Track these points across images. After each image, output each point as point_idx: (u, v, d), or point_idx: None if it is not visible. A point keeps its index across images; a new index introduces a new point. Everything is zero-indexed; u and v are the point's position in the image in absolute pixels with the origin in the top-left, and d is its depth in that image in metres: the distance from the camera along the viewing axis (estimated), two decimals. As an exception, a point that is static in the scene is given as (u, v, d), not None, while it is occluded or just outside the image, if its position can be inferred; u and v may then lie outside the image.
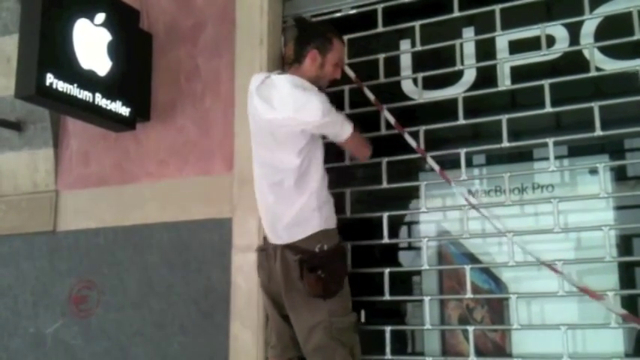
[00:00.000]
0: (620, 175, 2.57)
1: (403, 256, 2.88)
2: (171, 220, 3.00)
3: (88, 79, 2.85)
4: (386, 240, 2.61)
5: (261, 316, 2.67)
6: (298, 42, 2.44)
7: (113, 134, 3.18)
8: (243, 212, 2.81)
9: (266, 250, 2.42)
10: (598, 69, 2.43)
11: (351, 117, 2.42)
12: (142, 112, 3.13)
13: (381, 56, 2.76)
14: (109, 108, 2.94)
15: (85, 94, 2.84)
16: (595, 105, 2.36)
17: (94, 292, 3.10)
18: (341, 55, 2.48)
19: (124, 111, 3.01)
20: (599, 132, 2.35)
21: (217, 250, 2.86)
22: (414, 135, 2.62)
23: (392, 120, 2.62)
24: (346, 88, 2.79)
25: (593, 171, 2.45)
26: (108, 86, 2.94)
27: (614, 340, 2.35)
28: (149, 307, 2.96)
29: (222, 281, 2.81)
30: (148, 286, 2.98)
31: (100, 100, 2.91)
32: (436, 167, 2.53)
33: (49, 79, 2.68)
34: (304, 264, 2.23)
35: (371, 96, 2.68)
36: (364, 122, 2.61)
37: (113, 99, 2.96)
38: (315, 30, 2.49)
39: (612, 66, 2.45)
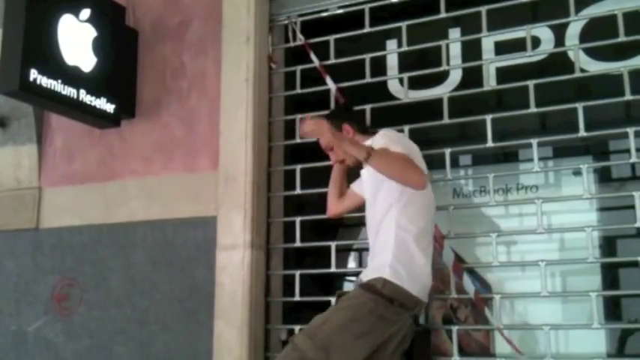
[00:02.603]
0: (604, 177, 2.59)
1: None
2: (156, 218, 2.98)
3: (72, 75, 2.83)
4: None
5: (245, 315, 2.65)
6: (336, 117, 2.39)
7: (97, 131, 3.16)
8: (227, 210, 2.79)
9: (413, 310, 2.07)
10: (583, 70, 2.44)
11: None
12: (126, 108, 3.10)
13: (368, 56, 2.75)
14: (93, 104, 2.92)
15: (69, 90, 2.81)
16: (579, 106, 2.37)
17: (77, 290, 3.07)
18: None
19: (109, 107, 2.99)
20: (582, 133, 2.35)
21: (202, 248, 2.84)
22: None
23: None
24: (333, 87, 2.79)
25: (577, 172, 2.46)
26: (93, 82, 2.92)
27: (597, 341, 2.37)
28: (132, 305, 2.94)
29: (206, 280, 2.79)
30: (132, 284, 2.96)
31: (85, 97, 2.88)
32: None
33: (33, 74, 2.65)
34: None
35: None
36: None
37: (98, 95, 2.94)
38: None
39: (597, 67, 2.46)
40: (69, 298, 3.09)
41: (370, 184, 2.17)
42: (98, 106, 2.94)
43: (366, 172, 2.17)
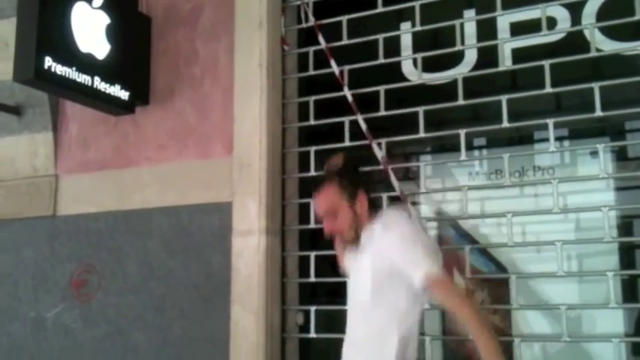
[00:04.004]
0: (620, 157, 2.56)
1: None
2: (171, 205, 2.99)
3: (86, 63, 2.84)
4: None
5: (262, 300, 2.67)
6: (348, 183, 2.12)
7: (112, 118, 3.17)
8: (242, 196, 2.80)
9: None
10: (599, 50, 2.42)
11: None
12: (140, 95, 3.12)
13: (381, 36, 2.74)
14: (107, 92, 2.93)
15: (83, 78, 2.83)
16: (595, 85, 2.35)
17: (94, 277, 3.10)
18: None
19: (123, 95, 3.00)
20: (599, 113, 2.33)
21: (217, 234, 2.85)
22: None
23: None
24: (346, 68, 2.78)
25: (594, 153, 2.44)
26: (106, 70, 2.93)
27: (614, 321, 2.35)
28: (149, 291, 2.96)
29: (222, 265, 2.81)
30: (148, 270, 2.98)
31: (99, 84, 2.90)
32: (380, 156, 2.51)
33: (48, 62, 2.67)
34: None
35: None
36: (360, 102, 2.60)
37: (112, 82, 2.95)
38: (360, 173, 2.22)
39: (613, 47, 2.43)
40: (86, 285, 3.12)
41: (369, 276, 1.98)
42: (112, 93, 2.95)
43: (362, 261, 2.01)
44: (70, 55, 2.77)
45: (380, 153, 2.61)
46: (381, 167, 2.63)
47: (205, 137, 2.98)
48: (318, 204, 2.12)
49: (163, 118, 3.10)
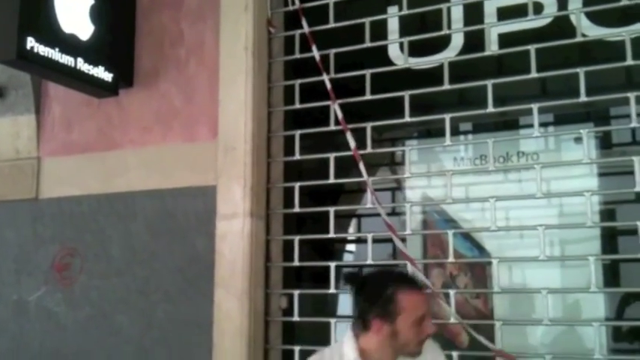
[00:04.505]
0: (604, 143, 2.58)
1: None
2: (155, 188, 2.97)
3: (69, 44, 2.80)
4: (369, 205, 2.61)
5: (245, 283, 2.66)
6: (358, 305, 1.88)
7: (96, 100, 3.14)
8: (227, 180, 2.79)
9: None
10: (584, 36, 2.42)
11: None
12: (124, 77, 3.08)
13: (367, 20, 2.72)
14: (91, 73, 2.90)
15: (66, 59, 2.79)
16: (580, 71, 2.35)
17: (77, 260, 3.08)
18: (420, 306, 1.80)
19: (107, 76, 2.97)
20: (584, 98, 2.34)
21: (201, 217, 2.84)
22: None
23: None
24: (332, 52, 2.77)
25: (578, 139, 2.44)
26: (90, 51, 2.89)
27: (595, 305, 2.37)
28: (133, 274, 2.94)
29: (206, 249, 2.79)
30: (132, 253, 2.96)
31: (82, 65, 2.86)
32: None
33: (30, 42, 2.62)
34: None
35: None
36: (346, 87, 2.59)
37: (95, 64, 2.91)
38: (372, 290, 1.85)
39: (598, 33, 2.44)
40: (69, 268, 3.09)
41: None
42: (96, 75, 2.92)
43: None
44: (53, 35, 2.73)
45: (352, 142, 2.59)
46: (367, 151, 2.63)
47: (190, 120, 2.96)
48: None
49: (148, 101, 3.07)
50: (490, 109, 2.47)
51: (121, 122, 3.13)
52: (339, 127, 2.71)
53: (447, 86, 2.57)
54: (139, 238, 2.96)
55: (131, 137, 3.09)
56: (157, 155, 3.00)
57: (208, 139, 2.88)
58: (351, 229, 3.32)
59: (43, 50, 2.68)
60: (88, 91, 3.00)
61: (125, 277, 2.96)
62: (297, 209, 2.75)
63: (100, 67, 2.93)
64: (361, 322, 1.83)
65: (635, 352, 2.73)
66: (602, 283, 2.28)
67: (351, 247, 3.72)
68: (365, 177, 2.55)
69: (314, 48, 2.75)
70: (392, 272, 1.99)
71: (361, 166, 2.55)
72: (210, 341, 2.69)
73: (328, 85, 2.69)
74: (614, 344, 2.91)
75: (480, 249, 2.65)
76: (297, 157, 2.79)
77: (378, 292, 1.81)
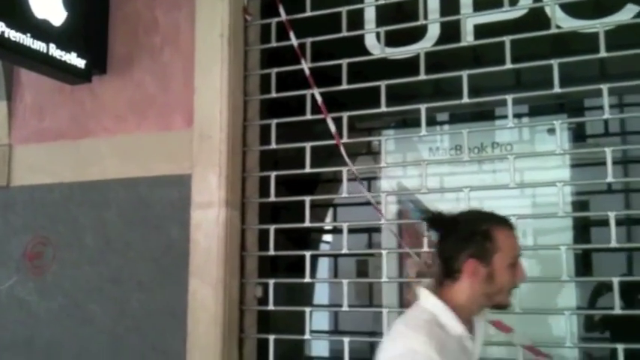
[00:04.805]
0: (578, 135, 2.60)
1: (363, 212, 2.88)
2: (129, 176, 2.94)
3: (41, 29, 2.74)
4: (345, 194, 2.61)
5: (220, 272, 2.65)
6: (442, 249, 1.69)
7: (68, 87, 3.09)
8: (202, 168, 2.77)
9: None
10: (558, 27, 2.43)
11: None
12: (98, 64, 3.03)
13: (344, 9, 2.71)
14: (63, 59, 2.84)
15: (38, 45, 2.73)
16: (554, 62, 2.36)
17: (50, 249, 3.04)
18: (515, 246, 1.66)
19: (80, 63, 2.92)
20: (557, 89, 2.36)
21: (176, 206, 2.81)
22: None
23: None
24: (308, 41, 2.75)
25: (552, 130, 2.47)
26: (63, 37, 2.83)
27: (567, 295, 2.41)
28: (106, 263, 2.91)
29: (181, 238, 2.77)
30: (105, 242, 2.93)
31: (55, 51, 2.80)
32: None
33: (1, 28, 2.56)
34: None
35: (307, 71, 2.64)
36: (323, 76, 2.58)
37: (68, 50, 2.86)
38: (466, 227, 1.66)
39: (572, 24, 2.45)
40: (41, 257, 3.05)
41: None
42: (68, 61, 2.86)
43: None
44: (25, 20, 2.67)
45: (333, 127, 2.59)
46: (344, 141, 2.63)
47: (165, 108, 2.93)
48: None
49: (122, 88, 3.03)
50: (465, 99, 2.48)
51: (94, 110, 3.09)
52: (316, 117, 2.70)
53: (422, 76, 2.57)
54: (112, 227, 2.93)
55: (105, 125, 3.05)
56: (132, 143, 2.96)
57: (183, 128, 2.85)
58: (328, 219, 3.32)
59: (14, 36, 2.62)
60: (61, 77, 2.95)
61: (98, 266, 2.92)
62: (272, 198, 2.74)
63: (72, 53, 2.88)
64: (448, 270, 1.64)
65: (606, 341, 2.78)
66: (573, 273, 2.32)
67: (327, 236, 3.73)
68: (350, 166, 2.55)
69: (292, 35, 2.73)
70: (482, 211, 1.77)
71: (343, 152, 2.54)
72: (185, 330, 2.68)
73: (307, 72, 2.67)
74: (585, 333, 2.97)
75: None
76: (273, 146, 2.78)
77: (473, 228, 1.64)
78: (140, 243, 2.86)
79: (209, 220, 2.71)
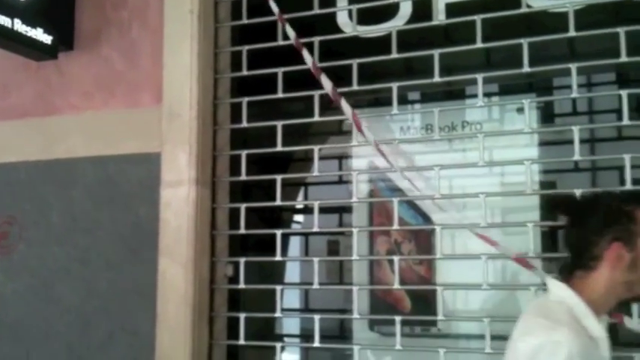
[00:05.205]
0: (547, 114, 2.63)
1: (333, 190, 2.89)
2: (97, 155, 2.88)
3: (6, 3, 2.66)
4: (316, 173, 2.61)
5: (190, 251, 2.63)
6: (577, 236, 1.56)
7: (34, 64, 3.01)
8: (172, 147, 2.73)
9: None
10: (529, 7, 2.44)
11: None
12: (64, 40, 2.96)
13: (315, -14, 2.69)
14: (28, 35, 2.77)
15: (3, 19, 2.65)
16: (524, 42, 2.37)
17: (16, 228, 2.98)
18: None
19: (45, 39, 2.84)
20: (527, 68, 2.37)
21: (145, 185, 2.78)
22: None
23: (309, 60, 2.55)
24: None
25: (521, 109, 2.49)
26: (28, 11, 2.76)
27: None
28: (74, 243, 2.87)
29: (150, 217, 2.74)
30: (73, 221, 2.88)
31: (19, 26, 2.73)
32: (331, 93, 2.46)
33: (-38, 1, 2.50)
34: None
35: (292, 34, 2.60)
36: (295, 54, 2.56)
37: (33, 25, 2.78)
38: (609, 208, 1.52)
39: (543, 4, 2.47)
40: (7, 237, 2.99)
41: None
42: (34, 37, 2.79)
43: None
44: (-12, -6, 2.60)
45: (328, 84, 2.54)
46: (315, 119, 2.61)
47: (133, 85, 2.88)
48: None
49: (89, 65, 2.97)
50: (437, 78, 2.49)
51: (60, 87, 3.02)
52: (288, 95, 2.69)
53: (394, 55, 2.57)
54: (80, 205, 2.89)
55: (71, 102, 2.99)
56: (99, 121, 2.91)
57: (152, 105, 2.81)
58: (300, 198, 3.32)
59: (-24, 9, 2.55)
60: (26, 53, 2.87)
61: (66, 246, 2.88)
62: (243, 177, 2.73)
63: (38, 28, 2.81)
64: (582, 259, 1.50)
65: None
66: (540, 249, 2.35)
67: (299, 216, 3.72)
68: (348, 115, 2.47)
69: (273, 3, 2.67)
70: (619, 192, 1.64)
71: (343, 104, 2.48)
72: (154, 310, 2.66)
73: (292, 34, 2.60)
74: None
75: (425, 217, 2.69)
76: (245, 124, 2.75)
77: (618, 209, 1.48)
78: (108, 222, 2.82)
79: (179, 199, 2.68)
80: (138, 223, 2.78)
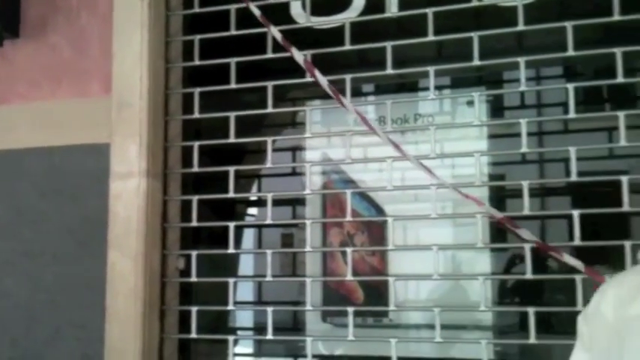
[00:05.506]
0: (496, 107, 2.67)
1: (288, 182, 2.88)
2: (44, 145, 2.80)
3: (-55, -12, 2.58)
4: (269, 165, 2.59)
5: (140, 244, 2.58)
6: None
7: (-23, 51, 2.91)
8: (122, 137, 2.67)
9: None
10: (480, 0, 2.48)
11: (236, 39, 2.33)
12: (9, 27, 2.86)
13: (269, -24, 2.67)
14: (-29, 21, 2.68)
15: (-58, 5, 2.57)
16: (475, 35, 2.41)
17: (-43, 221, 2.87)
18: None
19: (-11, 25, 2.76)
20: (476, 62, 2.41)
21: (94, 176, 2.71)
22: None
23: (279, 37, 2.54)
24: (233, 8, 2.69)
25: (471, 102, 2.53)
26: (-31, -4, 2.67)
27: (482, 262, 2.49)
28: (19, 236, 2.78)
29: (99, 209, 2.68)
30: (18, 214, 2.79)
31: (-40, 12, 2.64)
32: (328, 89, 2.48)
33: None
34: None
35: (257, 12, 2.58)
36: (249, 44, 2.54)
37: (-25, 11, 2.70)
38: None
39: (494, -1, 2.51)
40: (-52, 230, 2.88)
41: None
42: (-23, 23, 2.70)
43: None
44: None
45: (301, 58, 2.52)
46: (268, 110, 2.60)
47: (82, 74, 2.80)
48: None
49: (36, 53, 2.88)
50: (389, 70, 2.50)
51: (6, 76, 2.92)
52: (240, 86, 2.66)
53: (348, 46, 2.57)
54: (25, 198, 2.80)
55: (18, 92, 2.89)
56: (46, 111, 2.82)
57: (101, 95, 2.74)
58: (254, 190, 3.30)
59: None
60: (-32, 40, 2.78)
61: (11, 239, 2.79)
62: (196, 169, 2.69)
63: (-20, 14, 2.72)
64: None
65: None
66: (488, 240, 2.39)
67: (253, 209, 3.70)
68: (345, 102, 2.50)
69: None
70: None
71: (319, 80, 2.46)
72: (103, 304, 2.60)
73: (257, 12, 2.57)
74: (500, 300, 3.09)
75: (378, 209, 2.71)
76: (197, 115, 2.72)
77: None
78: (55, 215, 2.75)
79: (129, 191, 2.63)
80: (86, 215, 2.71)
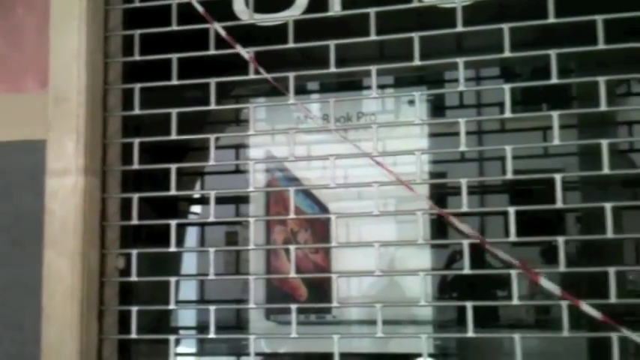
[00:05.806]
0: (437, 107, 2.73)
1: (231, 180, 2.86)
2: (-23, 142, 2.71)
3: None
4: (212, 163, 2.57)
5: (78, 243, 2.52)
6: None
7: None
8: (58, 134, 2.60)
9: None
10: (421, 1, 2.52)
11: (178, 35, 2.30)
12: (-62, 17, 2.75)
13: (211, -29, 2.64)
14: None
15: None
16: (415, 35, 2.45)
17: None
18: None
19: None
20: (417, 62, 2.45)
21: (29, 174, 2.63)
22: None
23: (223, 33, 2.52)
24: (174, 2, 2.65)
25: (412, 102, 2.57)
26: None
27: (423, 257, 2.54)
28: (-51, 236, 2.67)
29: (34, 207, 2.59)
30: (-52, 213, 2.69)
31: None
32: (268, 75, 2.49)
33: None
34: None
35: (200, 8, 2.55)
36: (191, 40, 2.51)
37: None
38: None
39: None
40: None
41: None
42: None
43: None
44: None
45: (246, 54, 2.49)
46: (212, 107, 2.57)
47: (17, 69, 2.71)
48: None
49: (-33, 46, 2.77)
50: (332, 69, 2.52)
51: (-64, 70, 2.80)
52: (182, 82, 2.63)
53: (291, 44, 2.57)
54: (-44, 196, 2.69)
55: (-52, 86, 2.77)
56: (-21, 106, 2.72)
57: (37, 90, 2.65)
58: (197, 188, 3.26)
59: None
60: None
61: (-60, 240, 2.68)
62: (136, 166, 2.64)
63: None
64: None
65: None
66: (429, 237, 2.44)
67: (196, 208, 3.66)
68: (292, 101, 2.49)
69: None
70: None
71: (260, 69, 2.42)
72: (40, 304, 2.52)
73: (200, 8, 2.53)
74: (440, 295, 3.16)
75: (321, 207, 2.72)
76: (137, 111, 2.66)
77: None
78: (-11, 213, 2.65)
79: (65, 189, 2.55)
80: (21, 214, 2.63)
